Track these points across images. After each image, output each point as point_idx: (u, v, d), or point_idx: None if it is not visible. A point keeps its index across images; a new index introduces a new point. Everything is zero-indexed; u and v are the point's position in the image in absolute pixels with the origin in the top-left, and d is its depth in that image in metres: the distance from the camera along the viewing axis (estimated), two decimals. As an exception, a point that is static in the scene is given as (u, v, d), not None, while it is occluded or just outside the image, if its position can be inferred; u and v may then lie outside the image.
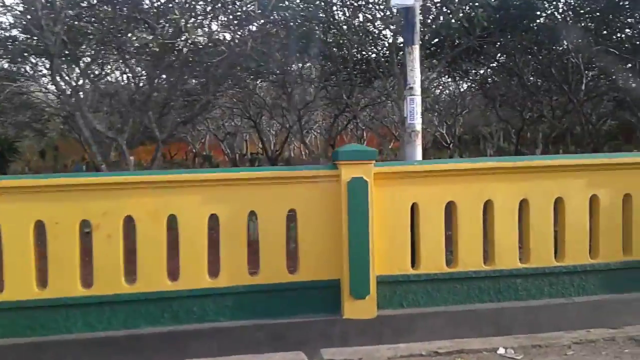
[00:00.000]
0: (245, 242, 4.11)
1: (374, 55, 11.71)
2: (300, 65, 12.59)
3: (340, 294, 4.16)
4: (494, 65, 15.19)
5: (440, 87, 20.39)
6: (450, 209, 4.37)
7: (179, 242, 4.03)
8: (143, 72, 8.97)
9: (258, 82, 14.57)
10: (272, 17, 8.28)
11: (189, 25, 7.21)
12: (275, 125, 23.09)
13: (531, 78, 14.66)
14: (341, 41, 11.26)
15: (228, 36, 8.65)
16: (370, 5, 10.49)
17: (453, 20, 8.60)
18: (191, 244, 4.02)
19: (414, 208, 4.32)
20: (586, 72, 15.68)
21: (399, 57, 10.82)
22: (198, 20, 8.22)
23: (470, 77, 15.75)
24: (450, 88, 19.58)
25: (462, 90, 18.87)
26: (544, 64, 13.75)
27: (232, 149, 27.95)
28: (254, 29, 8.55)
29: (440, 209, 4.32)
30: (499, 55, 13.96)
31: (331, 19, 10.46)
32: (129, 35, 8.05)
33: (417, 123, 4.65)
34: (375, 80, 11.94)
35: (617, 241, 4.50)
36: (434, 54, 11.26)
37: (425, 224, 4.30)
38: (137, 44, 8.16)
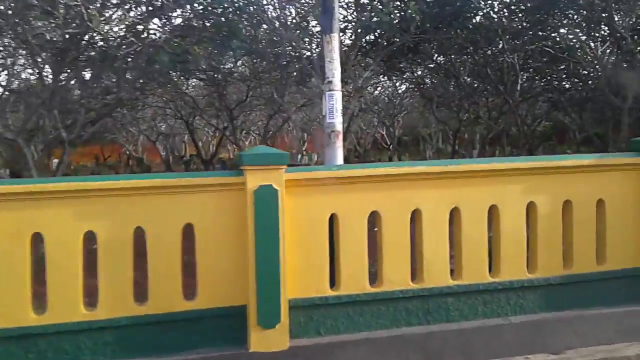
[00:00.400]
0: (130, 264, 3.42)
1: (308, 53, 11.16)
2: (231, 62, 11.92)
3: (246, 323, 3.54)
4: (431, 65, 14.96)
5: (380, 87, 20.13)
6: (374, 220, 3.84)
7: (45, 267, 3.30)
8: (46, 66, 8.04)
9: (188, 80, 13.78)
10: (190, 9, 7.57)
11: (92, 15, 6.40)
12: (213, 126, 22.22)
13: (467, 79, 14.51)
14: (274, 38, 10.64)
15: (142, 29, 7.88)
16: (303, 0, 9.94)
17: (386, 15, 8.13)
18: (61, 269, 3.30)
19: (333, 219, 3.76)
20: (522, 72, 15.69)
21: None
22: (108, 11, 7.42)
23: (407, 77, 15.48)
24: (390, 89, 19.31)
25: (400, 90, 18.63)
26: (480, 64, 13.60)
27: (170, 150, 26.80)
28: (174, 21, 7.82)
29: (362, 220, 3.77)
30: (435, 55, 13.71)
31: (262, 14, 9.83)
32: (28, 25, 7.15)
33: (338, 122, 4.09)
34: (310, 79, 11.38)
35: (557, 253, 4.09)
36: (369, 52, 10.83)
37: (346, 238, 3.74)
38: (38, 33, 7.27)
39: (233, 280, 3.54)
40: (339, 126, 4.07)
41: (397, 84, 17.93)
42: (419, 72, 15.59)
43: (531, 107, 19.86)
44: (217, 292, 3.54)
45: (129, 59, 8.27)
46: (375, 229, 3.82)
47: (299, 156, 23.16)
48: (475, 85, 16.24)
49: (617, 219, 4.19)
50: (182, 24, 7.69)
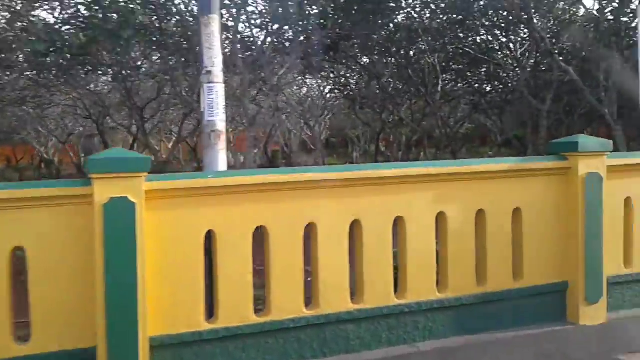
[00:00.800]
0: None
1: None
2: (141, 57, 11.01)
3: (97, 369, 2.85)
4: (355, 66, 14.59)
5: (306, 88, 19.64)
6: (262, 237, 3.25)
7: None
8: None
9: (92, 75, 12.69)
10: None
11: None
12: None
13: (390, 80, 14.23)
14: (189, 32, 9.86)
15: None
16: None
17: (298, 7, 7.57)
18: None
19: (210, 237, 3.13)
20: (444, 74, 15.61)
21: (253, 53, 9.70)
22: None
23: (331, 78, 15.04)
24: (315, 90, 18.84)
25: (325, 91, 18.18)
26: (402, 65, 13.34)
27: (86, 152, 25.11)
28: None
29: (246, 237, 3.16)
30: (358, 55, 13.32)
31: (169, 5, 9.04)
32: None
33: (220, 120, 3.44)
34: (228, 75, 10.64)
35: (469, 270, 3.64)
36: (285, 49, 10.24)
37: (225, 259, 3.12)
38: None
39: (76, 319, 2.84)
40: (221, 125, 3.43)
41: (322, 84, 17.48)
42: (342, 72, 15.19)
43: (454, 110, 19.96)
44: (55, 334, 2.82)
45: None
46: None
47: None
48: (399, 86, 16.03)
49: (535, 229, 3.80)
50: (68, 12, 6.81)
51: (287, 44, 10.23)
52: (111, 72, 11.68)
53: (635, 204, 4.04)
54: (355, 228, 3.41)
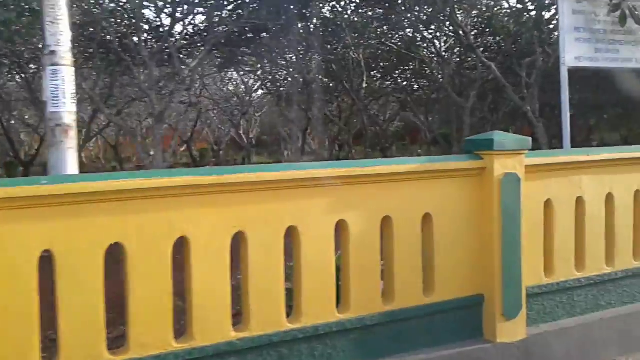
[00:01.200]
0: None
1: (136, 39, 9.64)
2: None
3: None
4: (281, 61, 14.06)
5: (233, 84, 18.93)
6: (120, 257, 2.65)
7: None
8: None
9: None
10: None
11: None
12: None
13: (316, 76, 13.78)
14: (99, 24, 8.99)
15: None
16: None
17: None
18: None
19: (50, 259, 2.50)
20: (371, 72, 15.34)
21: (166, 45, 8.94)
22: None
23: (258, 74, 14.44)
24: (241, 85, 18.13)
25: (254, 87, 17.52)
26: (327, 61, 12.93)
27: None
28: None
29: (95, 258, 2.56)
30: (284, 49, 12.78)
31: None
32: None
33: (67, 111, 2.79)
34: (142, 69, 9.80)
35: (374, 285, 3.18)
36: (197, 39, 9.54)
37: (68, 285, 2.50)
38: None
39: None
40: (68, 118, 2.78)
41: (247, 79, 16.83)
42: (268, 68, 14.61)
43: (383, 107, 19.80)
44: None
45: None
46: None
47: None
48: (327, 83, 15.65)
49: (448, 237, 3.38)
50: None
51: (200, 34, 9.57)
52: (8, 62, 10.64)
53: (557, 207, 3.71)
54: (240, 241, 2.88)
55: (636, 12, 5.35)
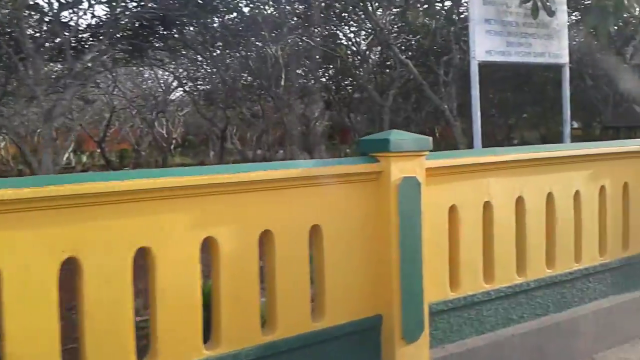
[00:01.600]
0: None
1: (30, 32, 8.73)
2: None
3: None
4: (198, 58, 13.35)
5: (148, 82, 17.97)
6: None
7: None
8: None
9: None
10: None
11: None
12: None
13: (234, 74, 13.16)
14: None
15: None
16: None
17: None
18: None
19: None
20: (297, 70, 14.92)
21: (65, 37, 8.09)
22: None
23: (169, 70, 13.65)
24: (159, 85, 17.20)
25: (169, 85, 16.64)
26: (245, 57, 12.35)
27: None
28: None
29: None
30: (198, 45, 12.10)
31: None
32: None
33: None
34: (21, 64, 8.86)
35: (252, 314, 2.68)
36: (100, 33, 8.75)
37: None
38: None
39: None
40: None
41: (164, 77, 15.97)
42: (185, 65, 13.86)
43: (309, 107, 19.45)
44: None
45: None
46: None
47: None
48: (251, 82, 15.08)
49: (340, 251, 2.94)
50: None
51: (102, 26, 8.77)
52: None
53: (462, 214, 3.35)
54: (76, 269, 2.31)
55: (548, 4, 5.14)
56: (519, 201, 3.60)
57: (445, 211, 3.29)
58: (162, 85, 16.14)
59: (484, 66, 5.23)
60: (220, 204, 2.60)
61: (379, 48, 10.96)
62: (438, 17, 8.04)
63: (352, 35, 12.35)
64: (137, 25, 9.20)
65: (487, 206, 3.45)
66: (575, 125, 19.23)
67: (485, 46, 5.06)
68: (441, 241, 3.27)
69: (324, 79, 15.42)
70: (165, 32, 9.94)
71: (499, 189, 3.49)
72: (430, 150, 3.13)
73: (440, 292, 3.26)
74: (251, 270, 2.69)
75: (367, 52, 11.24)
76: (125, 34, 9.53)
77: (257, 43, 11.69)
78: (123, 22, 8.61)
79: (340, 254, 2.94)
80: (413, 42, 12.13)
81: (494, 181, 3.47)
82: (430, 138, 3.13)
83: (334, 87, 15.89)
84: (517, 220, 3.60)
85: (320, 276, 2.90)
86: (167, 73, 14.70)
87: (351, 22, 11.65)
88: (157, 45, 10.42)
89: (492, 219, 3.47)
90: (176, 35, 11.12)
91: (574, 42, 11.06)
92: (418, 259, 3.04)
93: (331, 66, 14.39)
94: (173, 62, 12.97)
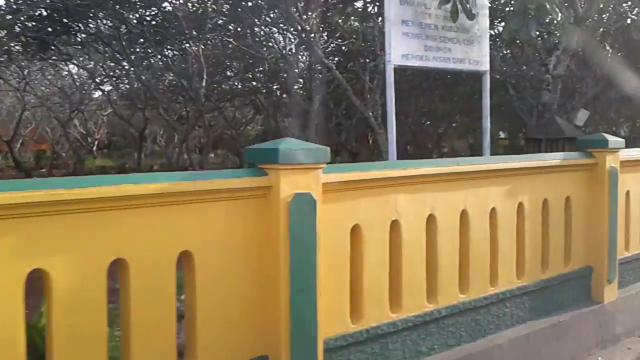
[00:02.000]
0: None
1: None
2: None
3: None
4: (114, 56, 12.51)
5: (67, 79, 16.84)
6: None
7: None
8: None
9: None
10: None
11: None
12: None
13: (156, 73, 12.41)
14: None
15: None
16: None
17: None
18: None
19: None
20: (223, 73, 14.36)
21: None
22: None
23: (84, 67, 12.75)
24: (73, 82, 16.06)
25: (84, 83, 15.57)
26: (166, 56, 11.67)
27: None
28: None
29: None
30: (109, 40, 11.29)
31: None
32: None
33: None
34: None
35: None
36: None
37: None
38: None
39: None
40: None
41: (80, 75, 14.96)
42: (100, 62, 12.97)
43: (239, 110, 18.91)
44: None
45: None
46: None
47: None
48: (176, 82, 14.33)
49: (218, 284, 2.47)
50: None
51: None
52: None
53: (366, 235, 2.95)
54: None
55: (468, 6, 4.86)
56: (430, 219, 3.25)
57: (346, 232, 2.88)
58: (77, 82, 15.06)
59: (413, 73, 4.92)
60: (53, 229, 2.07)
61: (304, 50, 10.57)
62: (353, 17, 7.73)
63: (280, 37, 11.92)
64: (39, 16, 8.38)
65: (394, 226, 3.08)
66: (502, 135, 19.60)
67: (401, 49, 4.70)
68: (341, 266, 2.86)
69: (254, 82, 14.91)
70: (73, 25, 9.14)
71: (408, 206, 3.12)
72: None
73: (339, 325, 2.84)
74: (99, 310, 2.17)
75: (294, 55, 10.82)
76: (28, 24, 8.68)
77: (177, 41, 11.05)
78: (23, 9, 7.81)
79: (217, 286, 2.46)
80: (343, 47, 11.85)
81: (402, 198, 3.10)
82: (328, 148, 2.71)
83: (264, 91, 15.39)
84: (427, 241, 3.24)
85: (191, 315, 2.42)
86: (81, 69, 13.72)
87: (280, 24, 11.22)
88: (65, 38, 9.57)
89: (400, 239, 3.10)
90: (91, 30, 10.33)
91: (500, 53, 11.10)
92: (312, 288, 2.61)
93: (261, 69, 13.91)
94: (87, 58, 12.08)
